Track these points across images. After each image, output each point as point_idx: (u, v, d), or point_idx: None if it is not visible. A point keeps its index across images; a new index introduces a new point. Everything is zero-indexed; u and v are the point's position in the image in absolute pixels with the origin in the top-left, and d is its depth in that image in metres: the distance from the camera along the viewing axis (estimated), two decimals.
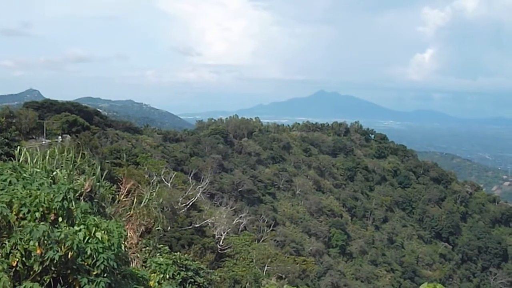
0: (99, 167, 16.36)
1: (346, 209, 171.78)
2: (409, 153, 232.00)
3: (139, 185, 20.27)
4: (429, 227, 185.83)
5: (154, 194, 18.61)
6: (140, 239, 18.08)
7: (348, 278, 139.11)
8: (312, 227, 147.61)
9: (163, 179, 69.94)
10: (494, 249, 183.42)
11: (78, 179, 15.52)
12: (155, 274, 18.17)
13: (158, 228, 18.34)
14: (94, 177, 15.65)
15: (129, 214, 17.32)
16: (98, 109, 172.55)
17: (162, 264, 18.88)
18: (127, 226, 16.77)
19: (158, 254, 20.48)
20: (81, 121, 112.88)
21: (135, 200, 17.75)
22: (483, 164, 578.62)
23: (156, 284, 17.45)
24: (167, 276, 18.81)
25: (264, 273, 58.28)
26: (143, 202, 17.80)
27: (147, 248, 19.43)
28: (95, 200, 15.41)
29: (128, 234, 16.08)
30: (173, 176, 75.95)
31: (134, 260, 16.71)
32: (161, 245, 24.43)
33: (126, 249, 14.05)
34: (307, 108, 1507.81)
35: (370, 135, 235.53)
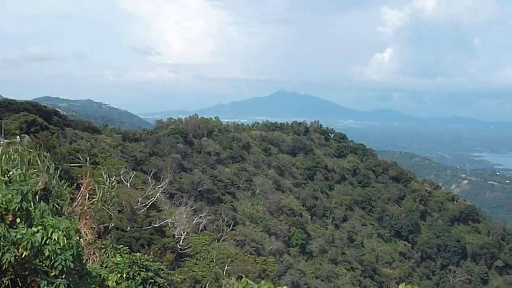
0: (55, 166, 16.18)
1: (306, 208, 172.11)
2: (369, 152, 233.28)
3: (98, 185, 20.09)
4: (389, 225, 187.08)
5: (113, 194, 18.47)
6: (98, 239, 17.93)
7: (308, 277, 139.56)
8: (272, 227, 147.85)
9: (123, 179, 69.53)
10: (453, 247, 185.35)
11: (32, 178, 15.33)
12: (113, 274, 18.02)
13: (115, 227, 18.22)
14: (49, 176, 15.46)
15: (86, 214, 17.16)
16: (57, 109, 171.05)
17: (120, 264, 18.73)
18: (84, 226, 16.63)
19: (118, 254, 20.32)
20: (39, 121, 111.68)
21: (93, 200, 17.61)
22: (442, 163, 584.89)
23: (115, 284, 17.31)
24: (125, 276, 18.68)
25: (224, 273, 58.23)
26: (101, 202, 17.66)
27: (105, 247, 19.27)
28: (50, 199, 15.22)
29: (86, 234, 15.95)
30: (133, 176, 75.56)
31: (92, 260, 16.57)
32: (121, 246, 24.25)
33: (84, 249, 13.92)
34: (267, 107, 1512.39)
35: (330, 134, 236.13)
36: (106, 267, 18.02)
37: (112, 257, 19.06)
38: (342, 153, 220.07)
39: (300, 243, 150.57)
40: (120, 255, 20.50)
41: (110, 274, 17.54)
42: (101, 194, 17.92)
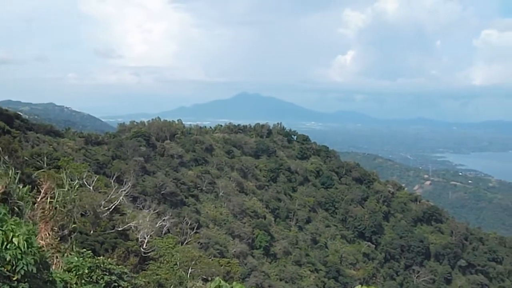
0: (16, 170, 15.92)
1: (269, 210, 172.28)
2: (332, 153, 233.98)
3: (60, 189, 19.84)
4: (352, 226, 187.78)
5: (74, 197, 18.24)
6: (60, 242, 17.68)
7: (273, 279, 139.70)
8: (236, 229, 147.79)
9: (85, 183, 69.03)
10: (417, 247, 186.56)
11: None
12: (72, 275, 17.81)
13: (78, 231, 17.99)
14: (9, 179, 15.21)
15: (47, 217, 16.92)
16: (19, 113, 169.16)
17: (78, 264, 18.54)
18: (45, 229, 16.39)
19: (81, 257, 20.10)
20: (1, 124, 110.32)
21: (55, 203, 17.37)
22: (405, 164, 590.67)
23: (74, 285, 17.09)
24: (84, 276, 18.49)
25: (188, 276, 58.05)
26: (63, 206, 17.42)
27: (66, 250, 19.01)
28: (10, 202, 14.99)
29: (46, 237, 15.73)
30: (95, 179, 75.05)
31: (54, 264, 16.34)
32: (84, 249, 23.99)
33: (46, 253, 13.69)
34: (229, 109, 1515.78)
35: (293, 136, 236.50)
36: (68, 270, 17.83)
37: (69, 258, 18.84)
38: (305, 155, 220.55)
39: (264, 245, 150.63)
40: (84, 258, 20.29)
41: (69, 274, 17.35)
42: (61, 197, 17.69)
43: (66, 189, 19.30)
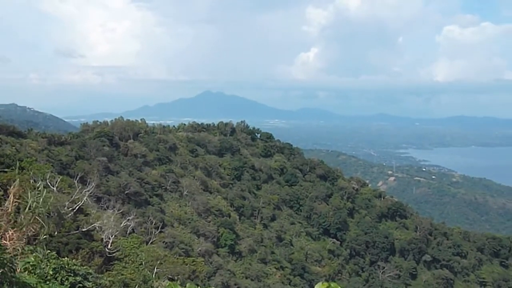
0: None
1: (234, 208, 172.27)
2: (295, 151, 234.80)
3: (24, 191, 19.80)
4: (317, 223, 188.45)
5: (40, 199, 18.26)
6: (27, 245, 17.68)
7: (238, 277, 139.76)
8: (201, 228, 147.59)
9: (49, 184, 68.57)
10: (381, 243, 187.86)
11: None
12: (31, 275, 17.82)
13: (44, 235, 17.95)
14: None
15: (13, 220, 16.92)
16: None
17: (35, 264, 18.56)
18: (12, 233, 16.40)
19: (46, 259, 20.08)
20: None
21: (19, 206, 17.38)
22: (368, 160, 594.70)
23: (40, 287, 17.12)
24: (48, 277, 18.51)
25: (154, 275, 58.01)
26: (27, 208, 17.43)
27: (34, 254, 19.00)
28: None
29: (13, 241, 15.75)
30: (59, 180, 74.58)
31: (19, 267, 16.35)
32: (48, 251, 23.96)
33: (11, 257, 13.74)
34: (193, 108, 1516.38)
35: (256, 134, 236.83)
36: (26, 270, 17.81)
37: (26, 258, 18.82)
38: (268, 152, 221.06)
39: (229, 244, 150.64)
40: (48, 260, 20.27)
41: (28, 275, 17.33)
42: (33, 200, 17.72)
43: (34, 192, 19.32)
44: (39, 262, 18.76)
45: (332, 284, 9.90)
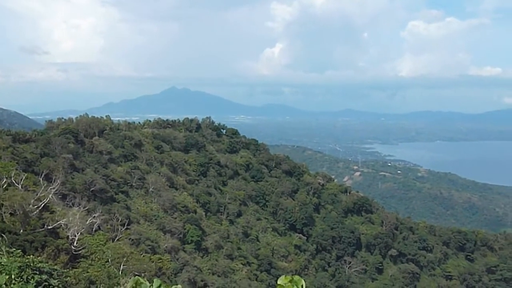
0: None
1: (200, 204, 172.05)
2: (261, 147, 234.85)
3: None
4: (283, 219, 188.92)
5: (6, 197, 18.26)
6: None
7: (205, 273, 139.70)
8: (167, 224, 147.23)
9: (14, 182, 68.21)
10: (348, 238, 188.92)
11: None
12: (1, 276, 17.77)
13: (7, 230, 17.95)
14: None
15: None
16: None
17: (7, 265, 18.51)
18: None
19: (5, 256, 20.01)
20: None
21: None
22: (334, 156, 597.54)
23: (4, 286, 17.10)
24: (18, 279, 18.45)
25: (120, 273, 57.85)
26: None
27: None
28: None
29: None
30: (24, 178, 74.15)
31: None
32: (14, 249, 23.87)
33: None
34: (158, 105, 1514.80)
35: (222, 130, 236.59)
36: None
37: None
38: (234, 148, 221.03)
39: (196, 240, 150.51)
40: (14, 258, 20.21)
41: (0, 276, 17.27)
42: None
43: None
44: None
45: (295, 278, 10.00)
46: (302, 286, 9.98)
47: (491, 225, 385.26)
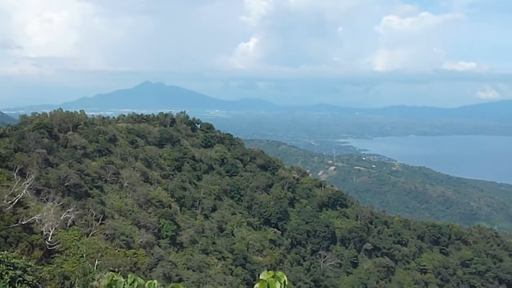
0: None
1: (174, 199, 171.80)
2: (236, 141, 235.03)
3: None
4: (258, 213, 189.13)
5: None
6: None
7: (180, 268, 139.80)
8: (142, 219, 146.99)
9: None
10: (323, 232, 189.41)
11: None
12: None
13: None
14: None
15: None
16: None
17: None
18: None
19: None
20: None
21: None
22: (309, 150, 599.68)
23: None
24: None
25: (95, 268, 57.81)
26: None
27: None
28: None
29: None
30: None
31: None
32: None
33: None
34: (133, 99, 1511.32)
35: (196, 124, 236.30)
36: None
37: None
38: (209, 143, 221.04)
39: (170, 235, 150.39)
40: None
41: None
42: None
43: None
44: None
45: (278, 273, 10.18)
46: (284, 281, 10.16)
47: (465, 218, 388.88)
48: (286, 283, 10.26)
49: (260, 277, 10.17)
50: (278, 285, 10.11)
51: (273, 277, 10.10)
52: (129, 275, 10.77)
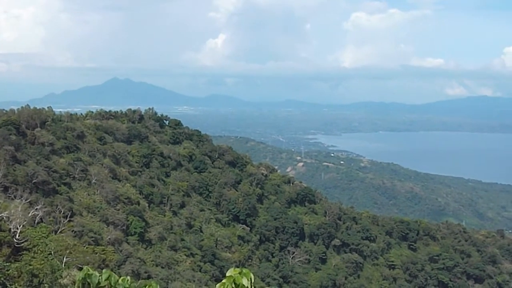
0: None
1: (143, 196, 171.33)
2: (204, 138, 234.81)
3: None
4: (227, 210, 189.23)
5: None
6: None
7: (148, 265, 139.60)
8: (110, 216, 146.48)
9: None
10: (291, 228, 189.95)
11: None
12: None
13: None
14: None
15: None
16: None
17: None
18: None
19: None
20: None
21: None
22: (277, 146, 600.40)
23: None
24: None
25: (63, 265, 57.73)
26: None
27: None
28: None
29: None
30: None
31: None
32: None
33: None
34: (100, 95, 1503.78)
35: (165, 121, 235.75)
36: None
37: None
38: (177, 139, 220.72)
39: (139, 232, 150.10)
40: None
41: None
42: None
43: None
44: None
45: (244, 270, 10.43)
46: (250, 278, 10.42)
47: (433, 214, 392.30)
48: (253, 280, 10.51)
49: (227, 274, 10.42)
50: (244, 280, 10.35)
51: (239, 273, 10.35)
52: (103, 271, 10.96)
